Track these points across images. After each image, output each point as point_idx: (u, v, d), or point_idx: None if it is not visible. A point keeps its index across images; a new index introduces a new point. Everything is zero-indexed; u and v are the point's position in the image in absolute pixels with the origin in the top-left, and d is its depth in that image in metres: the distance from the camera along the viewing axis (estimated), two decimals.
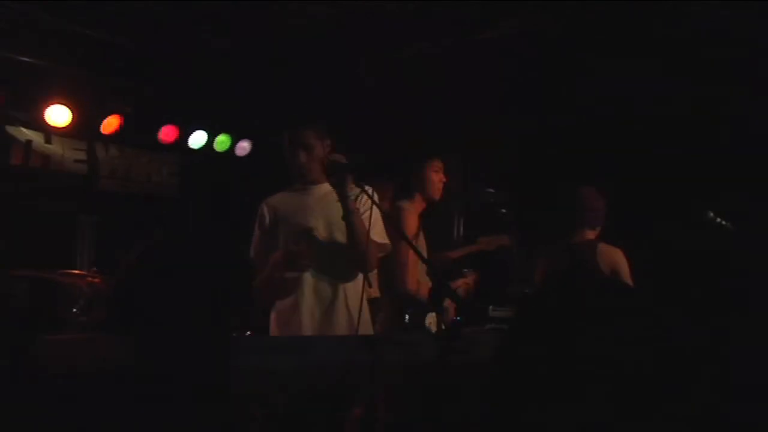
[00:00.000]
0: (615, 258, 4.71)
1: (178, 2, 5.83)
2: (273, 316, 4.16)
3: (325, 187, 4.14)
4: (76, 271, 6.34)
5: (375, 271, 4.30)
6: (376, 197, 3.99)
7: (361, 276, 4.06)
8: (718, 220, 4.76)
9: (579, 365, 1.23)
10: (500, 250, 5.10)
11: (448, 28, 6.16)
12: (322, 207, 4.11)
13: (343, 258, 4.06)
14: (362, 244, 3.93)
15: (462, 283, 4.88)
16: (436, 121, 6.55)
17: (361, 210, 3.97)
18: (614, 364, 1.22)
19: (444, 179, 4.88)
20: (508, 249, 5.06)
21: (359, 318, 3.90)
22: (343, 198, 3.87)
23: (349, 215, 3.89)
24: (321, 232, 4.06)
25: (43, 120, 6.76)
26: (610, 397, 1.20)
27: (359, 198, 4.03)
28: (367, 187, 3.93)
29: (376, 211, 3.92)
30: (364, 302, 4.00)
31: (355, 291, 4.06)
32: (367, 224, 3.93)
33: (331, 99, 6.59)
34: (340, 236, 4.05)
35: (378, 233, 4.11)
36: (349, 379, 3.21)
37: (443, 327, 3.79)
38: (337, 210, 3.95)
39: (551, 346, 1.28)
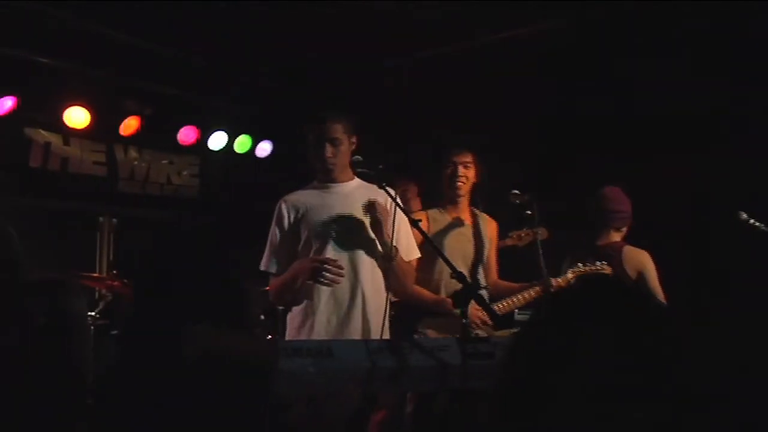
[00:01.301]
0: (642, 260, 4.70)
1: (197, 3, 5.90)
2: (288, 318, 4.19)
3: (349, 186, 4.20)
4: (96, 274, 6.42)
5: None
6: (398, 200, 4.02)
7: (380, 278, 4.13)
8: (752, 221, 4.73)
9: (589, 377, 1.26)
10: (532, 245, 5.01)
11: (471, 28, 6.21)
12: (344, 207, 4.13)
13: (364, 261, 4.10)
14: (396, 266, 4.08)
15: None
16: (459, 121, 6.57)
17: (390, 215, 4.02)
18: (626, 379, 1.24)
19: (468, 173, 4.77)
20: (542, 241, 4.95)
21: (383, 325, 3.95)
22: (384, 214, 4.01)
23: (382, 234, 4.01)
24: (343, 234, 4.07)
25: (62, 121, 6.87)
26: (618, 410, 1.23)
27: (389, 204, 4.08)
28: (390, 190, 3.95)
29: (404, 220, 3.99)
30: (386, 310, 4.03)
31: (373, 295, 4.09)
32: (391, 229, 4.02)
33: (352, 98, 6.63)
34: (362, 239, 4.09)
35: (407, 249, 4.22)
36: (372, 383, 3.25)
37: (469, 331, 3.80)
38: (360, 211, 4.04)
39: (562, 353, 1.30)
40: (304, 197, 4.19)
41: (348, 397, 3.77)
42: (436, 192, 4.91)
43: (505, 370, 1.34)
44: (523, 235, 5.12)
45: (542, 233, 4.98)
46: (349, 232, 4.08)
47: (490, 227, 4.96)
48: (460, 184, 4.77)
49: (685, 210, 5.43)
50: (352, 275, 4.05)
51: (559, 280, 4.74)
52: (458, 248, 4.69)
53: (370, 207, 4.02)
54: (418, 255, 4.35)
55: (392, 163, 4.64)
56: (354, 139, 4.21)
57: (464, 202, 4.87)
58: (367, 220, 4.03)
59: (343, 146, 4.13)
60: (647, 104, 5.72)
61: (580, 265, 4.83)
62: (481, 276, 4.78)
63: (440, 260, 4.56)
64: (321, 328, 3.98)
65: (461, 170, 4.76)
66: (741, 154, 5.31)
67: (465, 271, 4.53)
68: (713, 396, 1.24)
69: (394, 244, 4.05)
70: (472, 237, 4.84)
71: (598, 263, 4.80)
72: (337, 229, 4.07)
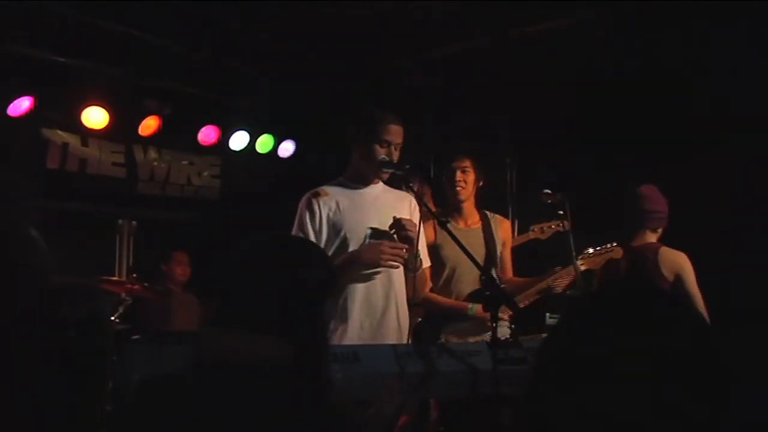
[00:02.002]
0: (679, 262, 4.64)
1: (217, 2, 5.92)
2: None
3: (377, 189, 4.27)
4: (115, 278, 6.44)
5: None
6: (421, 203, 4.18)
7: (404, 282, 4.18)
8: None
9: (618, 385, 1.25)
10: (550, 246, 5.09)
11: (498, 23, 6.20)
12: (377, 209, 4.19)
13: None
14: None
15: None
16: (490, 120, 6.57)
17: (417, 228, 4.09)
18: (657, 388, 1.23)
19: (467, 177, 4.90)
20: (563, 235, 5.02)
21: (409, 328, 4.04)
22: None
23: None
24: (378, 236, 4.13)
25: (80, 122, 6.88)
26: (648, 419, 1.22)
27: (413, 208, 4.23)
28: (416, 192, 4.13)
29: (421, 229, 4.08)
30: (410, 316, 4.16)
31: (402, 299, 4.16)
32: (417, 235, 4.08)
33: (372, 98, 6.66)
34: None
35: (424, 257, 4.29)
36: (398, 387, 3.25)
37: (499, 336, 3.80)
38: (388, 215, 4.10)
39: (590, 360, 1.30)
40: (336, 195, 4.20)
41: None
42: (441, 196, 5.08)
43: (534, 376, 1.34)
44: (545, 228, 5.19)
45: (565, 225, 5.04)
46: (383, 235, 4.13)
47: (502, 228, 5.09)
48: (458, 188, 4.91)
49: (724, 210, 5.37)
50: (386, 279, 4.11)
51: (568, 269, 4.84)
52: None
53: (398, 225, 4.06)
54: (429, 263, 4.45)
55: (418, 164, 4.70)
56: None
57: (468, 206, 5.00)
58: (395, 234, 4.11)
59: (398, 151, 4.19)
60: (683, 102, 5.69)
61: (590, 250, 4.94)
62: (495, 278, 4.84)
63: (448, 266, 4.84)
64: (354, 334, 4.01)
65: (459, 175, 4.90)
66: None
67: (475, 275, 4.72)
68: (754, 408, 1.23)
69: (419, 256, 4.16)
70: (483, 240, 4.94)
71: (607, 245, 4.91)
72: (372, 231, 4.13)
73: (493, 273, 4.81)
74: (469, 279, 4.84)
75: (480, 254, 4.81)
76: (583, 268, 4.86)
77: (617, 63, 5.99)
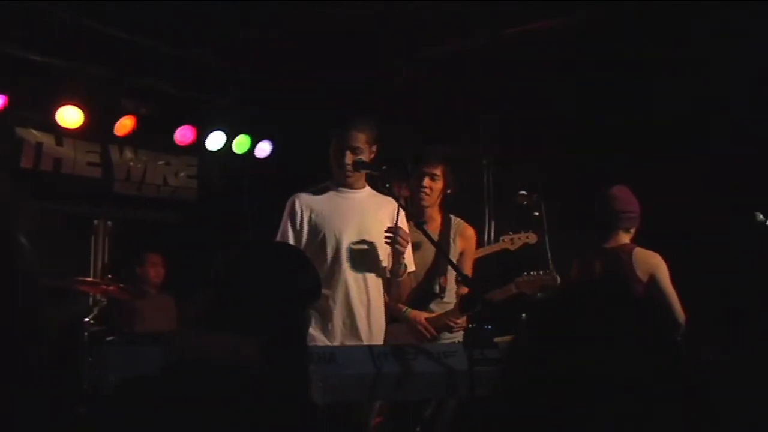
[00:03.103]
0: (654, 263, 4.67)
1: (197, 1, 5.92)
2: None
3: (361, 194, 4.40)
4: (90, 279, 6.43)
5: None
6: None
7: (380, 283, 4.34)
8: None
9: (581, 388, 1.27)
10: (526, 248, 5.16)
11: (476, 25, 6.24)
12: (358, 214, 4.33)
13: (373, 268, 4.31)
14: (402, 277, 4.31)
15: None
16: (465, 122, 6.60)
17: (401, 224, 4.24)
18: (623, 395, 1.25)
19: (434, 185, 4.91)
20: (533, 246, 5.12)
21: (384, 330, 4.11)
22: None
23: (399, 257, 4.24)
24: (354, 243, 4.26)
25: (54, 121, 6.83)
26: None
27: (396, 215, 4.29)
28: (396, 195, 4.26)
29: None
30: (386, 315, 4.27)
31: (376, 299, 4.31)
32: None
33: (351, 99, 6.69)
34: (372, 248, 4.29)
35: (409, 262, 4.41)
36: (377, 390, 3.28)
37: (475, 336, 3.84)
38: (372, 221, 4.29)
39: (555, 363, 1.31)
40: (319, 199, 4.35)
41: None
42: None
43: (503, 377, 1.36)
44: (515, 239, 5.28)
45: (531, 237, 5.23)
46: (362, 241, 4.28)
47: (463, 236, 5.07)
48: (423, 195, 4.92)
49: (697, 209, 5.42)
50: (362, 282, 4.26)
51: (499, 291, 4.95)
52: (419, 258, 4.80)
53: (394, 235, 4.19)
54: (414, 268, 4.52)
55: (395, 165, 4.75)
56: (374, 148, 4.38)
57: (431, 211, 5.00)
58: (380, 238, 4.24)
59: (363, 155, 4.29)
60: (656, 105, 5.74)
61: (531, 273, 5.00)
62: (437, 282, 4.90)
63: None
64: (337, 332, 4.16)
65: (426, 181, 4.90)
66: (752, 154, 5.33)
67: (423, 279, 4.84)
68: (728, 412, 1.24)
69: (404, 262, 4.30)
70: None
71: (541, 272, 4.98)
72: (351, 236, 4.26)
73: (438, 277, 4.89)
74: (419, 281, 4.88)
75: (428, 258, 4.85)
76: (515, 290, 4.96)
77: (603, 64, 6.03)
